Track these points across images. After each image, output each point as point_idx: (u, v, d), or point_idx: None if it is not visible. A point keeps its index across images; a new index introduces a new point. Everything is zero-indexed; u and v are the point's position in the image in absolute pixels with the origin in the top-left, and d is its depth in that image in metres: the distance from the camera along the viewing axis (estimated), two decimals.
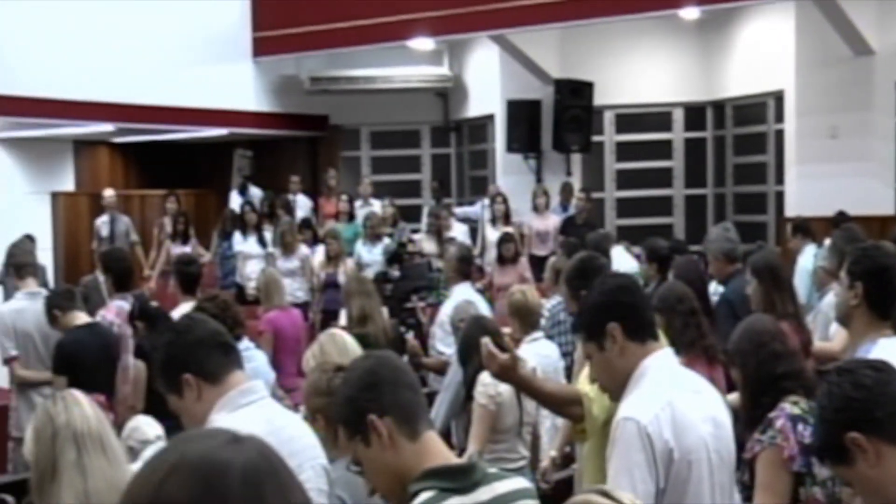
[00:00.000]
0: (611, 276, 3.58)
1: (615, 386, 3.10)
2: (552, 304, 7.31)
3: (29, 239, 11.59)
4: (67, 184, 14.91)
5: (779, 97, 12.42)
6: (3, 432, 7.05)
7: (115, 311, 6.71)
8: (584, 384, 3.78)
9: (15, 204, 13.79)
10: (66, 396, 3.24)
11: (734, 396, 4.23)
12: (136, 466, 3.04)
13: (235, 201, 13.75)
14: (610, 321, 3.04)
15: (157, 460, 1.39)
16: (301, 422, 3.34)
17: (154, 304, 7.21)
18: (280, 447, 2.81)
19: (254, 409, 3.06)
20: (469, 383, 5.40)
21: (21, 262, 7.11)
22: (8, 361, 6.88)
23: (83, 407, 3.19)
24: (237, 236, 12.24)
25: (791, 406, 3.59)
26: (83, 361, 6.03)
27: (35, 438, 3.17)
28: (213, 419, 2.96)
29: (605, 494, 1.85)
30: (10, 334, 6.81)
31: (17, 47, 11.79)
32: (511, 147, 13.78)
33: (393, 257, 10.16)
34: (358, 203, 13.45)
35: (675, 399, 2.98)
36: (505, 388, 5.16)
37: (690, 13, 12.17)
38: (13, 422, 6.86)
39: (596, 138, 13.81)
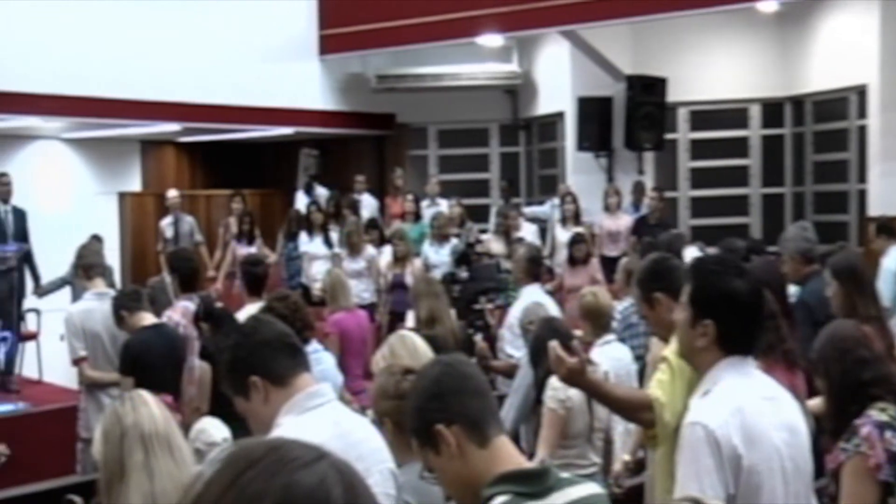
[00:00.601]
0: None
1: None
2: (624, 306, 7.28)
3: (96, 239, 11.84)
4: (134, 184, 15.16)
5: (861, 92, 12.22)
6: (72, 433, 7.19)
7: (181, 311, 6.79)
8: (655, 388, 3.77)
9: (83, 204, 14.08)
10: (135, 397, 3.28)
11: (816, 402, 4.18)
12: (201, 468, 3.08)
13: (301, 201, 13.86)
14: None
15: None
16: (368, 425, 3.35)
17: (219, 305, 7.30)
18: (347, 451, 2.85)
19: (321, 412, 3.08)
20: (539, 387, 5.40)
21: (90, 263, 7.23)
22: (77, 362, 7.01)
23: (151, 408, 3.23)
24: (303, 237, 12.34)
25: (878, 413, 3.53)
26: (149, 362, 6.11)
27: (103, 439, 3.21)
28: (280, 422, 2.99)
29: (697, 503, 1.86)
30: (79, 335, 6.93)
31: (85, 49, 12.00)
32: (581, 145, 13.72)
33: (461, 258, 10.18)
34: (425, 203, 13.49)
35: (745, 405, 2.96)
36: (575, 393, 5.15)
37: (769, 5, 12.02)
38: (82, 423, 7.00)
39: (669, 136, 13.70)
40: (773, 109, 13.83)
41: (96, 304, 6.96)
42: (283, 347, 3.13)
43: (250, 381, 3.07)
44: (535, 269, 7.86)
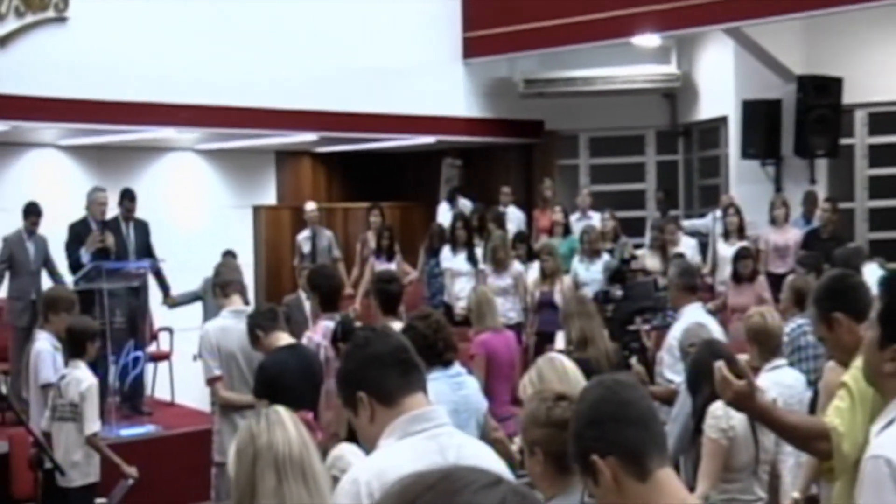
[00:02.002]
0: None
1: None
2: (791, 327, 7.13)
3: (230, 255, 12.16)
4: (269, 197, 15.49)
5: None
6: (206, 457, 7.36)
7: (322, 331, 6.88)
8: (833, 417, 3.67)
9: (217, 218, 14.45)
10: (271, 415, 3.29)
11: None
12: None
13: (444, 214, 13.96)
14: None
15: None
16: (488, 457, 3.24)
17: (359, 325, 7.38)
18: None
19: (422, 438, 3.01)
20: (698, 415, 5.32)
21: (227, 280, 7.41)
22: (211, 381, 7.16)
23: (288, 429, 3.23)
24: (445, 252, 12.41)
25: None
26: (285, 385, 6.17)
27: (236, 458, 3.26)
28: (380, 445, 2.99)
29: None
30: (214, 353, 7.10)
31: (219, 57, 12.31)
32: (746, 152, 13.50)
33: (614, 275, 10.08)
34: (575, 216, 13.44)
35: None
36: (738, 421, 5.06)
37: None
38: (216, 446, 7.14)
39: (845, 141, 13.36)
40: None
41: (233, 322, 7.11)
42: (396, 363, 3.09)
43: (358, 397, 3.06)
44: (690, 281, 7.73)
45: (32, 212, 10.83)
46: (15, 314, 10.70)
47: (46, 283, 10.68)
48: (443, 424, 3.10)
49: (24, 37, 11.25)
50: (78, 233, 10.61)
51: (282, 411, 3.34)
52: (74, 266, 10.40)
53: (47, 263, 10.94)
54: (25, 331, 9.97)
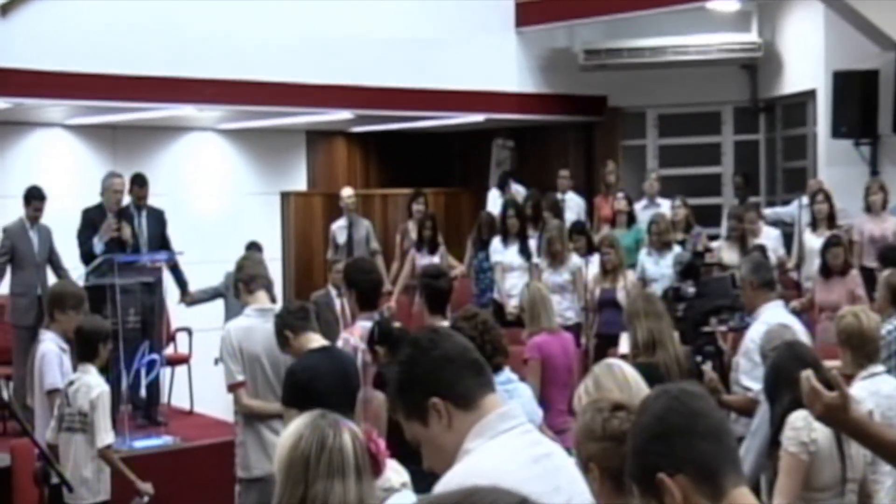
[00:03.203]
0: None
1: None
2: (888, 328, 7.07)
3: (255, 247, 12.22)
4: (299, 182, 15.55)
5: None
6: (228, 473, 7.39)
7: (359, 332, 6.89)
8: None
9: (240, 206, 14.54)
10: (328, 415, 3.35)
11: None
12: None
13: (493, 202, 13.96)
14: None
15: None
16: (565, 453, 3.35)
17: (397, 325, 7.40)
18: (546, 479, 2.87)
19: (515, 435, 3.09)
20: (777, 426, 5.29)
21: (252, 274, 7.41)
22: (233, 388, 7.17)
23: (347, 437, 3.30)
24: (495, 244, 12.41)
25: None
26: (318, 392, 6.16)
27: (297, 461, 3.29)
28: (468, 447, 3.02)
29: None
30: (235, 356, 7.10)
31: (243, 27, 12.36)
32: (838, 131, 13.40)
33: (686, 270, 10.02)
34: (641, 203, 13.41)
35: None
36: (822, 434, 5.02)
37: None
38: (239, 460, 7.16)
39: None
40: None
41: (258, 321, 7.14)
42: (468, 364, 3.14)
43: (429, 404, 3.09)
44: (765, 275, 7.67)
45: (35, 197, 10.91)
46: (18, 312, 10.80)
47: (52, 277, 10.77)
48: (524, 422, 3.18)
49: (27, 4, 11.33)
50: (92, 219, 10.68)
51: (340, 419, 3.38)
52: (86, 256, 10.49)
53: (51, 256, 11.03)
54: (29, 330, 10.08)
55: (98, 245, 10.45)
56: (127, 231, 10.62)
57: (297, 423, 3.37)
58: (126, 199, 11.00)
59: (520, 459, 2.93)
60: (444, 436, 3.08)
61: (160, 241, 11.11)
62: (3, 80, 11.03)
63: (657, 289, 10.30)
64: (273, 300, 8.25)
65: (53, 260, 11.04)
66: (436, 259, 12.53)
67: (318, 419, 3.35)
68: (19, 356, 10.30)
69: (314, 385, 6.25)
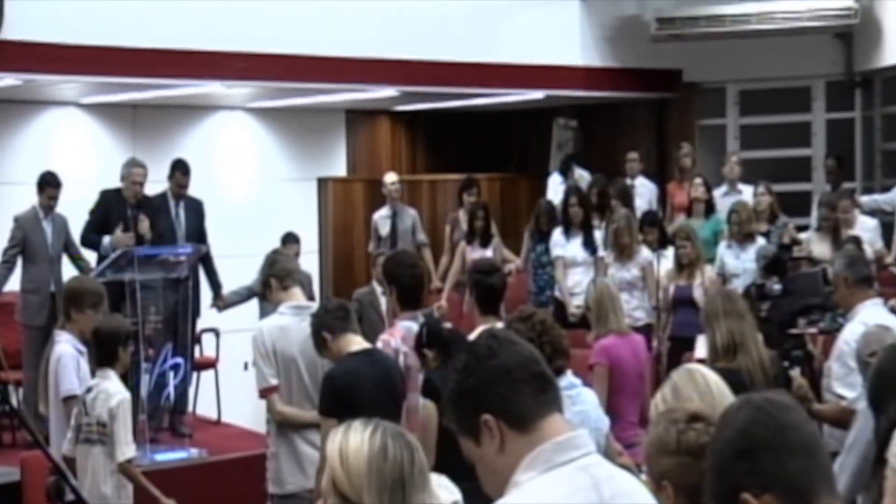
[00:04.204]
0: None
1: None
2: None
3: (291, 238, 12.25)
4: (338, 167, 15.60)
5: None
6: (258, 488, 7.42)
7: (401, 334, 6.91)
8: None
9: (273, 193, 14.60)
10: (407, 433, 3.31)
11: None
12: None
13: (554, 189, 13.95)
14: None
15: None
16: (642, 490, 3.30)
17: (447, 325, 7.40)
18: None
19: (571, 471, 2.99)
20: (882, 440, 5.25)
21: (285, 269, 7.44)
22: (265, 393, 7.19)
23: (415, 451, 3.24)
24: (556, 236, 12.40)
25: None
26: (359, 399, 6.19)
27: (375, 477, 3.28)
28: (518, 480, 2.95)
29: None
30: (268, 358, 7.14)
31: None
32: None
33: (771, 265, 9.98)
34: (721, 190, 13.35)
35: None
36: None
37: None
38: (271, 474, 7.20)
39: None
40: None
41: (293, 320, 7.17)
42: (530, 378, 3.05)
43: (482, 421, 3.02)
44: (863, 275, 7.62)
45: (49, 183, 10.96)
46: (30, 311, 10.87)
47: (66, 273, 10.80)
48: (591, 452, 3.07)
49: None
50: (108, 203, 10.77)
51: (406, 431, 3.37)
52: (87, 242, 10.59)
53: (68, 248, 11.09)
54: (43, 331, 10.12)
55: (106, 248, 10.47)
56: (145, 225, 10.66)
57: (362, 431, 3.23)
58: (163, 186, 11.11)
59: (575, 500, 2.88)
60: (497, 459, 3.01)
61: (198, 234, 11.22)
62: (10, 53, 11.02)
63: (738, 286, 10.25)
64: (310, 298, 8.27)
65: (71, 252, 11.08)
66: (488, 253, 12.52)
67: (382, 428, 3.24)
68: (30, 359, 10.37)
69: (354, 392, 6.28)
